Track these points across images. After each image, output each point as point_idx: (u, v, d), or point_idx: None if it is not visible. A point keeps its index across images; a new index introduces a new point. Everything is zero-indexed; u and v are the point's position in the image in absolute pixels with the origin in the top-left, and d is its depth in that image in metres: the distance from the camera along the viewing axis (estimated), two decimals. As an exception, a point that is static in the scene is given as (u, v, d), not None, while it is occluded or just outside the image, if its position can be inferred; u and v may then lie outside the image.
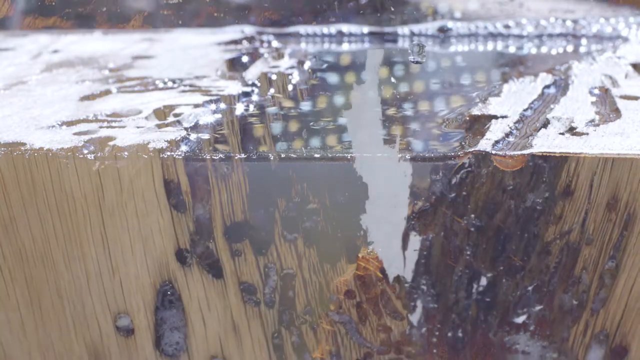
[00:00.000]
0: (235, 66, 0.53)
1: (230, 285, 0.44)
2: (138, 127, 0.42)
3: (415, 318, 0.44)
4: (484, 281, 0.43)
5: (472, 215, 0.41)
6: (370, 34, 0.58)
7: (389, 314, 0.44)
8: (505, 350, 0.45)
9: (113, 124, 0.43)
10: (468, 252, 0.43)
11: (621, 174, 0.39)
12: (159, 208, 0.42)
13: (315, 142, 0.42)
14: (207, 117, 0.44)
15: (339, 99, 0.47)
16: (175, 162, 0.40)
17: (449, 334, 0.44)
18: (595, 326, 0.44)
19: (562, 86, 0.47)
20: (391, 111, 0.45)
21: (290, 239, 0.43)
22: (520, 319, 0.44)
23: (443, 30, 0.58)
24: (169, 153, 0.40)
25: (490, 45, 0.56)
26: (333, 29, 0.59)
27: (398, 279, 0.43)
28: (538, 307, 0.43)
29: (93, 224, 0.42)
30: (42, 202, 0.42)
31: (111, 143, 0.40)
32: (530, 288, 0.43)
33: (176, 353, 0.45)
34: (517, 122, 0.42)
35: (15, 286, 0.44)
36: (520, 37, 0.58)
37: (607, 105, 0.44)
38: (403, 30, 0.58)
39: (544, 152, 0.39)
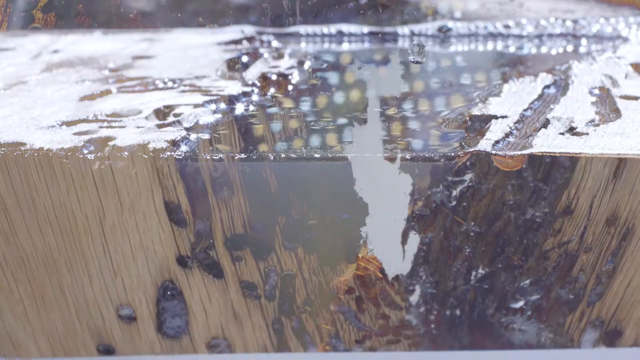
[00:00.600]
0: (235, 66, 0.53)
1: (231, 284, 0.44)
2: (138, 127, 0.42)
3: (413, 301, 0.44)
4: (482, 272, 0.43)
5: (472, 223, 0.41)
6: (370, 33, 0.58)
7: (387, 306, 0.45)
8: (502, 328, 0.45)
9: (113, 124, 0.43)
10: (467, 251, 0.43)
11: (621, 196, 0.40)
12: (159, 224, 0.42)
13: (315, 141, 0.42)
14: (207, 117, 0.44)
15: (339, 99, 0.47)
16: (176, 187, 0.41)
17: (447, 313, 0.45)
18: (591, 314, 0.44)
19: (562, 86, 0.47)
20: (391, 111, 0.45)
21: (291, 248, 0.43)
22: (517, 305, 0.44)
23: (443, 30, 0.58)
24: (169, 153, 0.40)
25: (490, 45, 0.56)
26: (333, 29, 0.59)
27: (397, 277, 0.44)
28: (535, 297, 0.44)
29: (94, 237, 0.43)
30: (43, 219, 0.42)
31: (111, 143, 0.40)
32: (527, 282, 0.43)
33: (178, 335, 0.46)
34: (517, 122, 0.42)
35: (18, 285, 0.45)
36: (520, 37, 0.58)
37: (607, 105, 0.44)
38: (403, 30, 0.58)
39: (544, 152, 0.39)
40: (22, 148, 0.40)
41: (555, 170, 0.39)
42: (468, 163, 0.40)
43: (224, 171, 0.40)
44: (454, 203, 0.41)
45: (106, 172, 0.40)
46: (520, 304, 0.44)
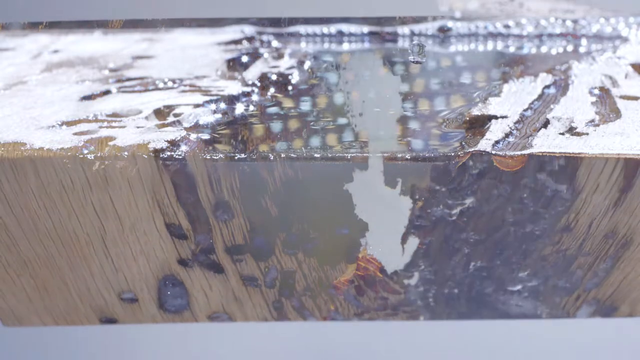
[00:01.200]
0: (235, 66, 0.53)
1: (231, 277, 0.45)
2: (138, 127, 0.42)
3: (412, 283, 0.45)
4: (480, 264, 0.44)
5: (472, 233, 0.42)
6: (370, 33, 0.58)
7: (386, 291, 0.45)
8: (498, 303, 0.46)
9: (113, 124, 0.43)
10: (466, 251, 0.43)
11: (621, 218, 0.40)
12: (160, 238, 0.43)
13: (315, 141, 0.42)
14: (207, 117, 0.44)
15: (338, 99, 0.47)
16: (177, 214, 0.41)
17: (445, 292, 0.45)
18: (587, 297, 0.45)
19: (562, 86, 0.47)
20: (391, 111, 0.45)
21: (291, 253, 0.43)
22: (514, 288, 0.45)
23: (443, 30, 0.58)
24: (169, 153, 0.40)
25: (490, 45, 0.56)
26: (333, 29, 0.59)
27: (396, 272, 0.44)
28: (532, 284, 0.44)
29: (96, 247, 0.44)
30: (45, 235, 0.43)
31: (111, 143, 0.40)
32: (524, 274, 0.44)
33: (179, 311, 0.47)
34: (517, 122, 0.42)
35: (21, 279, 0.46)
36: (520, 37, 0.58)
37: (607, 105, 0.44)
38: (403, 30, 0.58)
39: (544, 152, 0.39)
40: (22, 148, 0.40)
41: (556, 199, 0.40)
42: (469, 191, 0.40)
43: (224, 201, 0.41)
44: (454, 218, 0.41)
45: (106, 201, 0.41)
46: (518, 287, 0.45)
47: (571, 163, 0.39)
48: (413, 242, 0.43)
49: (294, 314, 0.48)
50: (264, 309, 0.47)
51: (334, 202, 0.41)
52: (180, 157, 0.40)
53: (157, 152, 0.40)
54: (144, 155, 0.40)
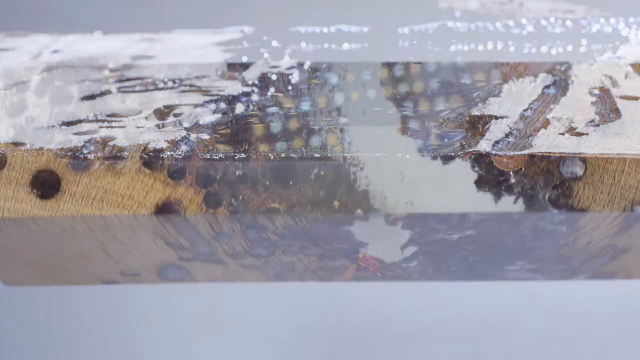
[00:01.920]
0: (235, 66, 0.53)
1: (232, 266, 0.46)
2: (138, 127, 0.42)
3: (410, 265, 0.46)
4: (478, 258, 0.44)
5: (471, 246, 0.42)
6: (371, 33, 0.58)
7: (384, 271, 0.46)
8: (497, 275, 0.47)
9: (113, 124, 0.43)
10: (464, 252, 0.43)
11: (619, 239, 0.40)
12: (161, 249, 0.44)
13: (315, 141, 0.42)
14: (207, 117, 0.44)
15: (338, 99, 0.47)
16: (178, 239, 0.42)
17: (443, 270, 0.46)
18: (584, 274, 0.46)
19: (562, 86, 0.47)
20: (391, 111, 0.45)
21: (291, 255, 0.44)
22: (512, 268, 0.45)
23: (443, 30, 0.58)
24: (169, 153, 0.40)
25: (490, 45, 0.56)
26: (333, 28, 0.59)
27: (394, 263, 0.45)
28: (530, 267, 0.45)
29: (97, 254, 0.45)
30: (46, 248, 0.44)
31: (111, 143, 0.41)
32: (524, 262, 0.44)
33: (179, 279, 0.49)
34: (517, 122, 0.42)
35: (22, 268, 0.46)
36: (520, 37, 0.58)
37: (607, 105, 0.44)
38: (403, 30, 0.58)
39: (544, 152, 0.39)
40: (22, 148, 0.40)
41: (556, 233, 0.40)
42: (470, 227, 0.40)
43: (224, 233, 0.42)
44: (454, 239, 0.41)
45: (106, 235, 0.41)
46: (516, 268, 0.45)
47: (573, 215, 0.39)
48: (412, 248, 0.43)
49: (292, 278, 0.49)
50: (263, 277, 0.48)
51: (334, 235, 0.42)
52: (181, 216, 0.40)
53: (158, 209, 0.40)
54: (145, 214, 0.40)
